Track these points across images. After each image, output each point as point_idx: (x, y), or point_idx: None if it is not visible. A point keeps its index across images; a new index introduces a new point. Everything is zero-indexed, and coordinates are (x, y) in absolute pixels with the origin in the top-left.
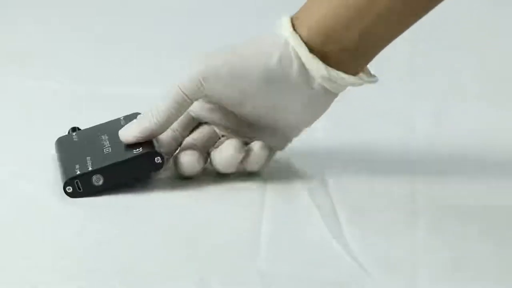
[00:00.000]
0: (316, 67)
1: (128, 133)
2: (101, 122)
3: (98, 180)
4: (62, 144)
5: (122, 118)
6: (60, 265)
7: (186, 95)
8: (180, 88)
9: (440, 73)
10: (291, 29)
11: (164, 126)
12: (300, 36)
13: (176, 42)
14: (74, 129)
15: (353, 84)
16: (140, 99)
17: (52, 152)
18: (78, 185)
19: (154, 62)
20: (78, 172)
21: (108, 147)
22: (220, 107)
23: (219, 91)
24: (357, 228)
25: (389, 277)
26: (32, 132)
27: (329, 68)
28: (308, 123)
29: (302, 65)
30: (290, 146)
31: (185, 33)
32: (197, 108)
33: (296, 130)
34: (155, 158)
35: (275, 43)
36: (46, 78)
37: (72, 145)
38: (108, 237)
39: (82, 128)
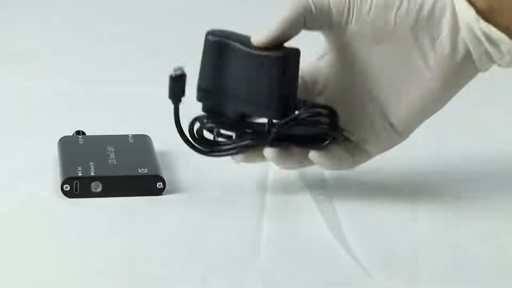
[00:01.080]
0: (466, 9)
1: (261, 35)
2: (101, 123)
3: (96, 187)
4: (66, 143)
5: (130, 136)
6: (60, 266)
7: (315, 6)
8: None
9: None
10: None
11: (285, 32)
12: None
13: (176, 42)
14: (78, 132)
15: (497, 45)
16: (140, 99)
17: (52, 152)
18: (76, 187)
19: (154, 62)
20: (80, 174)
21: (113, 159)
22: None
23: (368, 21)
24: (357, 228)
25: (389, 277)
26: (32, 132)
27: (479, 18)
28: (430, 103)
29: (453, 7)
30: None
31: (185, 33)
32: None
33: (412, 116)
34: (157, 183)
35: None
36: (46, 78)
37: (76, 147)
38: (109, 238)
39: (86, 132)
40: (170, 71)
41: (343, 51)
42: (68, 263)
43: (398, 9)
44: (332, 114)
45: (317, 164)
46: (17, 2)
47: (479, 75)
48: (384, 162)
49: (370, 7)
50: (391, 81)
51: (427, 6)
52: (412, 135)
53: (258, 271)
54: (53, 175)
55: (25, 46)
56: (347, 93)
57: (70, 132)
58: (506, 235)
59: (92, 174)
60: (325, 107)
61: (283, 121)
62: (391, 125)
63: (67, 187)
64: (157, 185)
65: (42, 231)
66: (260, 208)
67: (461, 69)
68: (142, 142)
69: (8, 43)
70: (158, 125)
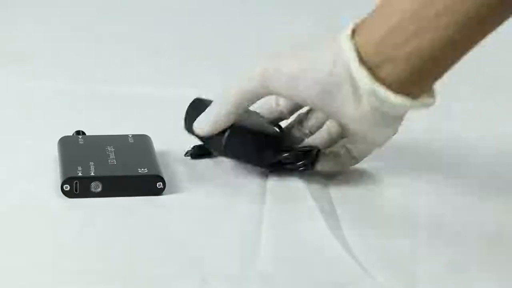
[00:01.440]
0: (363, 78)
1: (200, 130)
2: (101, 123)
3: (96, 187)
4: (66, 143)
5: (130, 136)
6: (60, 266)
7: (246, 97)
8: (239, 90)
9: None
10: (349, 34)
11: (227, 123)
12: (356, 43)
13: (176, 42)
14: (78, 132)
15: (400, 106)
16: (140, 99)
17: (52, 152)
18: (76, 186)
19: (154, 62)
20: (80, 174)
21: (113, 159)
22: None
23: (280, 91)
24: (358, 228)
25: (389, 277)
26: (32, 132)
27: (376, 83)
28: (372, 143)
29: (350, 75)
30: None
31: (185, 33)
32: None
33: (365, 146)
34: (157, 183)
35: (332, 48)
36: (46, 78)
37: (76, 147)
38: (109, 238)
39: (86, 132)
40: (170, 71)
41: None
42: (68, 263)
43: (297, 88)
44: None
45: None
46: (17, 2)
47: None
48: (384, 162)
49: (275, 93)
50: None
51: (326, 81)
52: (411, 136)
53: (258, 271)
54: (53, 175)
55: (25, 46)
56: None
57: (70, 132)
58: (506, 235)
59: (92, 174)
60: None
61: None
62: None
63: (67, 187)
64: (157, 185)
65: (42, 231)
66: (260, 208)
67: (380, 119)
68: (142, 142)
69: (8, 43)
70: (158, 125)
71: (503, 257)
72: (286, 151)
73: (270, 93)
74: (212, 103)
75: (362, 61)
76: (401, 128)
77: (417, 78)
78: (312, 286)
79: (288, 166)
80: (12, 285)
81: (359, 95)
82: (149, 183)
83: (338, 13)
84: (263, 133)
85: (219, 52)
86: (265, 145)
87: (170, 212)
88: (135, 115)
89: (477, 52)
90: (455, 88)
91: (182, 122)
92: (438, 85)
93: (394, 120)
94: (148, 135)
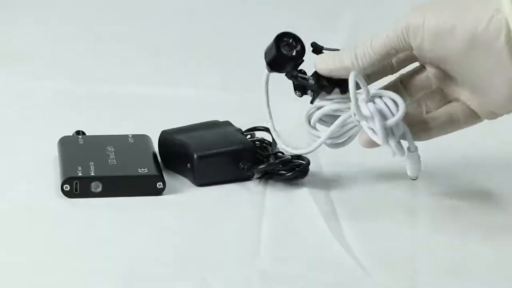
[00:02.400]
0: None
1: (324, 64)
2: (101, 123)
3: (96, 187)
4: (66, 143)
5: (130, 136)
6: (60, 265)
7: (388, 46)
8: (385, 38)
9: None
10: None
11: (363, 69)
12: None
13: (176, 42)
14: (78, 132)
15: None
16: (140, 99)
17: (52, 152)
18: (76, 187)
19: (154, 62)
20: (80, 174)
21: (113, 159)
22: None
23: (422, 47)
24: (358, 228)
25: (389, 277)
26: (32, 132)
27: None
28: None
29: (508, 31)
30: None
31: (185, 33)
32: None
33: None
34: (157, 183)
35: (487, 8)
36: (46, 78)
37: (76, 147)
38: (109, 238)
39: (86, 132)
40: (170, 71)
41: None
42: (68, 263)
43: (445, 41)
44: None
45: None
46: (17, 2)
47: None
48: (384, 162)
49: (420, 45)
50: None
51: (480, 35)
52: None
53: (258, 271)
54: (53, 175)
55: (25, 46)
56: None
57: (70, 132)
58: (505, 235)
59: (92, 174)
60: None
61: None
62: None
63: (67, 187)
64: (157, 185)
65: (42, 231)
66: (260, 208)
67: None
68: (142, 142)
69: (8, 43)
70: (158, 125)
71: (503, 258)
72: (262, 162)
73: (411, 49)
74: (343, 49)
75: None
76: None
77: None
78: (312, 286)
79: (277, 176)
80: (12, 285)
81: None
82: (149, 183)
83: (338, 13)
84: (229, 150)
85: (219, 52)
86: (237, 161)
87: (170, 212)
88: (135, 115)
89: None
90: None
91: (183, 122)
92: None
93: None
94: (148, 135)
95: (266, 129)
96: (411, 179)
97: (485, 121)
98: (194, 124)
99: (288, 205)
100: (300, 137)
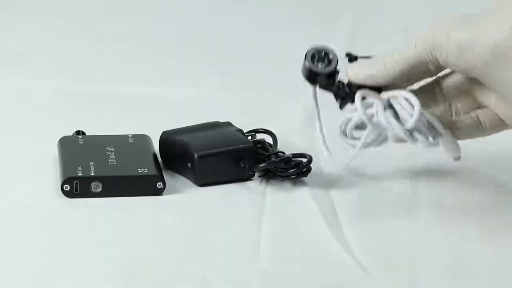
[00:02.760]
0: None
1: (354, 73)
2: (101, 123)
3: (96, 187)
4: (66, 143)
5: (130, 136)
6: (60, 266)
7: (410, 62)
8: (404, 53)
9: None
10: None
11: (390, 82)
12: None
13: (176, 42)
14: (78, 132)
15: None
16: (140, 99)
17: (52, 152)
18: (76, 187)
19: (154, 62)
20: (80, 174)
21: (113, 159)
22: None
23: (448, 61)
24: (358, 228)
25: (389, 277)
26: (32, 132)
27: None
28: None
29: None
30: (288, 146)
31: (185, 33)
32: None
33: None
34: (157, 183)
35: (506, 20)
36: (46, 78)
37: (76, 147)
38: (109, 238)
39: (86, 132)
40: (170, 71)
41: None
42: (68, 263)
43: (468, 54)
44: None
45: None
46: (17, 2)
47: None
48: (384, 163)
49: (445, 60)
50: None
51: (501, 46)
52: None
53: (258, 271)
54: (53, 175)
55: (25, 46)
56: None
57: (70, 132)
58: (505, 235)
59: (92, 174)
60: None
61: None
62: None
63: (67, 187)
64: (157, 185)
65: (42, 231)
66: (260, 208)
67: None
68: (142, 142)
69: (8, 43)
70: (158, 125)
71: (503, 258)
72: (263, 161)
73: (435, 62)
74: (374, 58)
75: None
76: None
77: None
78: (312, 286)
79: (279, 175)
80: (12, 285)
81: None
82: (149, 183)
83: (338, 13)
84: (229, 150)
85: (219, 52)
86: (238, 161)
87: (170, 212)
88: (135, 115)
89: None
90: None
91: (183, 122)
92: None
93: None
94: (148, 135)
95: (267, 131)
96: (454, 160)
97: None
98: (195, 125)
99: (288, 205)
100: (302, 138)
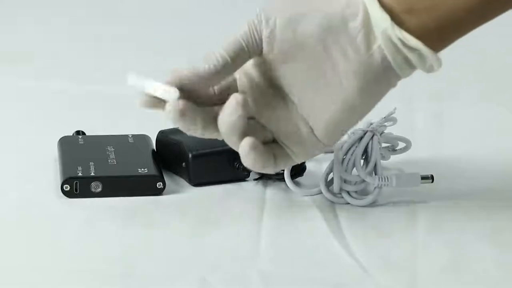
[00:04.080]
0: (381, 17)
1: (178, 73)
2: (101, 123)
3: (96, 187)
4: (66, 143)
5: (130, 136)
6: (60, 266)
7: (245, 44)
8: (238, 36)
9: (439, 73)
10: None
11: (216, 74)
12: None
13: (176, 42)
14: (78, 132)
15: (415, 52)
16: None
17: (52, 152)
18: (76, 187)
19: (154, 62)
20: (80, 174)
21: (113, 159)
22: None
23: (275, 39)
24: (358, 228)
25: (389, 277)
26: (32, 132)
27: (395, 25)
28: (350, 113)
29: (366, 16)
30: None
31: (185, 33)
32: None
33: (334, 126)
34: (157, 183)
35: None
36: (46, 78)
37: (76, 147)
38: (109, 238)
39: (86, 132)
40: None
41: (260, 75)
42: (68, 263)
43: (299, 25)
44: None
45: (243, 160)
46: (17, 2)
47: (481, 74)
48: (384, 163)
49: (272, 30)
50: (308, 96)
51: (335, 17)
52: (411, 137)
53: (258, 271)
54: (53, 175)
55: (25, 46)
56: (272, 109)
57: (70, 132)
58: (505, 234)
59: (92, 174)
60: None
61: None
62: (315, 136)
63: (67, 187)
64: (157, 185)
65: (42, 231)
66: (260, 208)
67: (380, 76)
68: (142, 142)
69: (8, 43)
70: (158, 125)
71: (503, 258)
72: None
73: (261, 44)
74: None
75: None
76: (403, 129)
77: (440, 33)
78: (312, 286)
79: (274, 177)
80: (12, 285)
81: (370, 40)
82: (149, 183)
83: None
84: (224, 150)
85: None
86: (232, 161)
87: (170, 212)
88: (135, 115)
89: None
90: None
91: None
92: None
93: (386, 84)
94: (148, 135)
95: None
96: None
97: (485, 118)
98: None
99: (288, 205)
100: None
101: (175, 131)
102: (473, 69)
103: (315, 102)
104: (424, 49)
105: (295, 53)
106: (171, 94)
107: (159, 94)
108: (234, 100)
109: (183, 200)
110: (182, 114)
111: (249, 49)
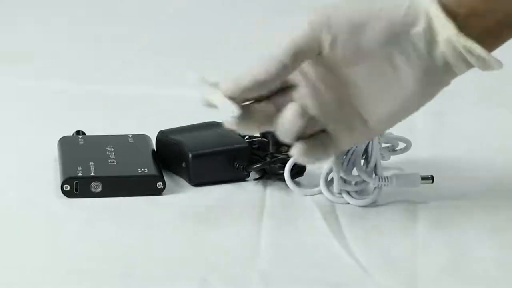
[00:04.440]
0: (444, 24)
1: (239, 85)
2: (101, 123)
3: (96, 187)
4: (66, 143)
5: (130, 136)
6: (60, 266)
7: (304, 49)
8: (297, 40)
9: None
10: None
11: (276, 79)
12: None
13: (176, 42)
14: (78, 132)
15: (480, 59)
16: (140, 99)
17: (52, 152)
18: (76, 186)
19: (154, 62)
20: (80, 174)
21: (113, 159)
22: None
23: (338, 46)
24: (358, 228)
25: (389, 277)
26: (32, 132)
27: (460, 33)
28: (406, 109)
29: (429, 23)
30: None
31: (185, 33)
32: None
33: (389, 120)
34: (157, 183)
35: None
36: (46, 78)
37: (76, 147)
38: (109, 238)
39: (86, 132)
40: (170, 71)
41: (322, 75)
42: (68, 263)
43: (362, 33)
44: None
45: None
46: (17, 2)
47: (481, 75)
48: (384, 163)
49: (335, 37)
50: (366, 93)
51: (397, 24)
52: (411, 137)
53: (258, 271)
54: (53, 175)
55: (25, 46)
56: (325, 103)
57: (70, 132)
58: (505, 234)
59: (92, 174)
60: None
61: None
62: (367, 126)
63: (67, 187)
64: (157, 185)
65: (42, 231)
66: (260, 208)
67: (440, 79)
68: (142, 142)
69: (8, 43)
70: (158, 125)
71: (503, 258)
72: (258, 161)
73: (319, 50)
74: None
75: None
76: (403, 129)
77: (498, 36)
78: (312, 286)
79: (275, 177)
80: (12, 285)
81: (432, 45)
82: (149, 183)
83: None
84: (224, 150)
85: (219, 52)
86: (232, 161)
87: (170, 212)
88: (135, 115)
89: None
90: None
91: (183, 122)
92: None
93: (443, 84)
94: (148, 135)
95: (263, 136)
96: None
97: (491, 120)
98: (192, 124)
99: (288, 205)
100: None
101: (175, 131)
102: (473, 69)
103: (373, 99)
104: (488, 56)
105: (358, 59)
106: (230, 112)
107: (219, 106)
108: (292, 111)
109: (183, 200)
110: (238, 127)
111: (307, 54)
